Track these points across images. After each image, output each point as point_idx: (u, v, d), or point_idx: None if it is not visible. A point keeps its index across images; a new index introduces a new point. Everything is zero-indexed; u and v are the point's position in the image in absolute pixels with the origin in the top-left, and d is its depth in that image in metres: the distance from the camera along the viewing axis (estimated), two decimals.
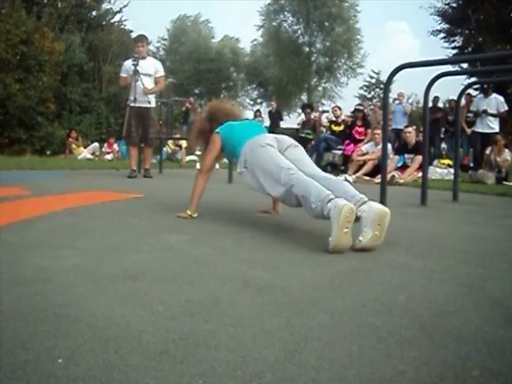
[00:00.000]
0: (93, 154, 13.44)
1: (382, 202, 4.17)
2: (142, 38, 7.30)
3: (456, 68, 15.15)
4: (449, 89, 10.07)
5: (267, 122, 16.30)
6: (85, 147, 14.06)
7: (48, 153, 14.93)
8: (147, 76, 7.09)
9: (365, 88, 41.32)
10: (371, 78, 40.99)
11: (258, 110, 17.42)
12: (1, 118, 14.51)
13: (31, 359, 1.19)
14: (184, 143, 12.24)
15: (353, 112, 10.81)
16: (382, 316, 1.54)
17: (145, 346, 1.27)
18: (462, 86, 6.03)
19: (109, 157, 13.15)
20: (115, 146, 13.60)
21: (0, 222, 3.02)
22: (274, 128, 15.45)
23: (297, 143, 3.26)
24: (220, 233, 2.94)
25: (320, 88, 37.68)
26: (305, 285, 1.86)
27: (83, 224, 3.12)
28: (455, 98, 5.81)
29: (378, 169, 8.31)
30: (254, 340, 1.33)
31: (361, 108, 10.47)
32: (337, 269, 2.12)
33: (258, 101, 40.53)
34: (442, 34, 21.52)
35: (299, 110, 32.71)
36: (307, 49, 36.86)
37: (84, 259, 2.19)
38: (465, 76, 17.37)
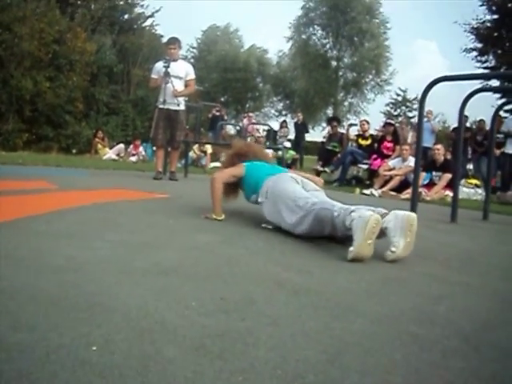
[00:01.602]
0: (118, 155, 13.47)
1: None
2: (174, 41, 7.30)
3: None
4: (477, 109, 9.92)
5: (293, 134, 16.27)
6: (110, 148, 14.11)
7: (74, 151, 15.03)
8: (178, 78, 7.09)
9: (391, 105, 41.16)
10: (398, 95, 40.84)
11: (285, 121, 17.31)
12: (30, 114, 14.66)
13: (65, 344, 1.16)
14: (209, 149, 12.24)
15: (383, 126, 10.70)
16: (423, 325, 1.48)
17: (181, 340, 1.24)
18: (491, 107, 5.94)
19: (133, 159, 13.19)
20: (141, 149, 13.64)
21: (29, 213, 3.01)
22: (299, 139, 15.39)
23: (319, 188, 3.25)
24: (251, 235, 2.90)
25: (346, 103, 37.61)
26: (340, 290, 1.81)
27: (112, 219, 3.10)
28: (483, 118, 5.73)
29: (405, 184, 8.24)
30: (294, 340, 1.29)
31: (392, 122, 10.37)
32: (372, 277, 2.06)
33: (283, 112, 40.51)
34: (475, 53, 21.26)
35: (324, 124, 32.73)
36: (335, 63, 36.86)
37: (114, 252, 2.16)
38: (495, 97, 17.23)
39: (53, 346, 1.15)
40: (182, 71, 7.18)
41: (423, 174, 8.33)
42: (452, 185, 7.03)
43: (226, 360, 1.14)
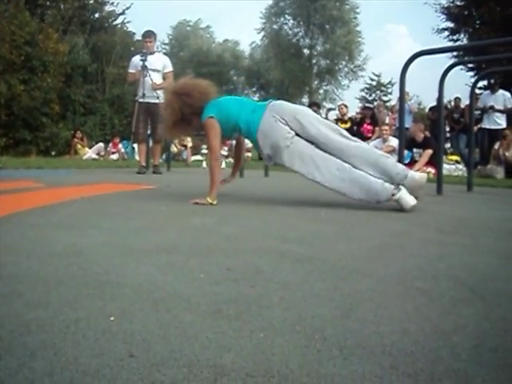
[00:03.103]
0: (98, 154, 13.41)
1: None
2: (150, 34, 7.27)
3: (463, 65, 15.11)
4: (452, 87, 10.01)
5: None
6: (90, 148, 14.02)
7: (53, 153, 14.89)
8: (156, 71, 7.06)
9: (366, 90, 41.36)
10: (372, 80, 41.04)
11: None
12: (6, 118, 14.48)
13: (82, 317, 1.17)
14: (189, 143, 12.22)
15: (362, 109, 10.78)
16: (428, 281, 1.52)
17: (195, 307, 1.25)
18: (464, 85, 6.05)
19: (114, 157, 13.13)
20: (120, 146, 13.58)
21: (20, 209, 2.99)
22: None
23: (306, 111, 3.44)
24: (244, 215, 2.93)
25: (321, 91, 37.76)
26: (342, 256, 1.84)
27: (104, 209, 3.10)
28: (459, 95, 5.80)
29: None
30: (305, 301, 1.31)
31: (370, 106, 10.46)
32: (370, 244, 2.10)
33: None
34: (447, 33, 21.38)
35: None
36: (308, 51, 36.92)
37: (112, 237, 2.16)
38: (469, 75, 17.46)
39: (70, 319, 1.15)
40: (159, 64, 7.16)
41: (405, 153, 8.41)
42: (433, 161, 7.12)
43: (244, 321, 1.16)
